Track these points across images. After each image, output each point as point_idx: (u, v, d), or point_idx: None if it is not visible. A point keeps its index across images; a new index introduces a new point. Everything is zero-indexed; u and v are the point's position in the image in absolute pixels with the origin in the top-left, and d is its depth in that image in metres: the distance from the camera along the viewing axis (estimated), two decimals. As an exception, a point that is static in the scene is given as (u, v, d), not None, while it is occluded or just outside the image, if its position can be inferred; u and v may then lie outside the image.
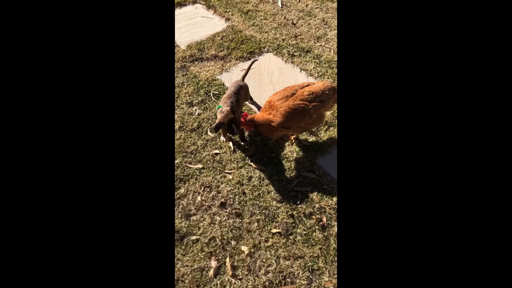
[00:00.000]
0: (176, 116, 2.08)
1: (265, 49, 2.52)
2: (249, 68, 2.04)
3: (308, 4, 2.94)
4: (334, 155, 1.86)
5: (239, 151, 1.93)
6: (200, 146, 1.95)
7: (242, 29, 2.66)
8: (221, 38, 2.58)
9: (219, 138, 1.99)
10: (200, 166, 1.86)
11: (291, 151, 1.92)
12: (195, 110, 2.11)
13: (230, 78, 2.34)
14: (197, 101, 2.15)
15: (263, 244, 1.53)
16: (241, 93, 1.92)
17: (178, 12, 2.84)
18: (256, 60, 2.20)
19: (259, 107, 2.14)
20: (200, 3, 2.93)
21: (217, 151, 1.93)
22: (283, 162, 1.86)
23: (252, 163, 1.86)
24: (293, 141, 1.95)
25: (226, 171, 1.84)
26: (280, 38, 2.60)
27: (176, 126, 2.03)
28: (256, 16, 2.80)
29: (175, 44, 2.55)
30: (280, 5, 2.92)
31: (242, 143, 1.95)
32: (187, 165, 1.86)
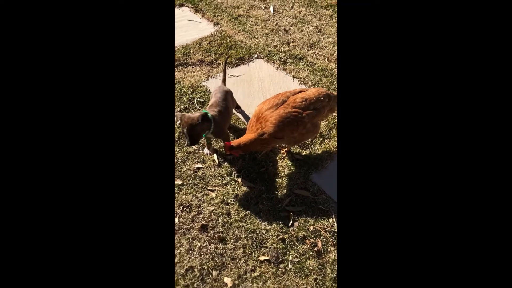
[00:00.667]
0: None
1: (256, 55, 2.35)
2: (225, 69, 1.87)
3: (301, 11, 2.82)
4: (330, 170, 1.67)
5: (224, 165, 1.72)
6: (181, 159, 1.74)
7: (231, 34, 2.50)
8: (209, 43, 2.41)
9: (202, 150, 1.79)
10: (179, 182, 1.64)
11: (282, 166, 1.72)
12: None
13: (217, 84, 2.15)
14: (179, 109, 1.95)
15: (250, 274, 1.32)
16: (229, 99, 1.73)
17: (163, 15, 2.67)
18: (229, 56, 2.00)
19: (246, 118, 1.95)
20: (187, 6, 2.77)
21: (199, 165, 1.72)
22: (273, 178, 1.67)
23: (239, 179, 1.66)
24: (285, 154, 1.76)
25: (209, 188, 1.63)
26: (272, 44, 2.45)
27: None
28: (246, 21, 2.66)
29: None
30: (272, 11, 2.79)
31: (228, 157, 1.75)
32: (165, 180, 1.64)
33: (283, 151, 1.78)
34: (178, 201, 1.56)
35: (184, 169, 1.70)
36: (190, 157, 1.75)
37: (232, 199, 1.57)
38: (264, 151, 1.77)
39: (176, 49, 2.33)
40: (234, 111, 1.97)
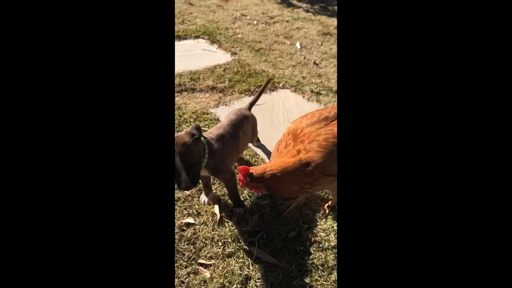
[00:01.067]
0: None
1: (280, 85, 1.89)
2: (261, 91, 1.33)
3: (331, 48, 2.46)
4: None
5: (229, 223, 1.07)
6: (163, 209, 1.11)
7: (251, 64, 2.09)
8: (224, 70, 1.99)
9: (198, 197, 1.16)
10: (153, 246, 0.98)
11: (325, 229, 1.06)
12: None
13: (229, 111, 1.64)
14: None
15: None
16: (245, 126, 1.16)
17: (175, 44, 2.36)
18: (272, 79, 1.47)
19: (268, 154, 1.36)
20: (203, 38, 2.47)
21: (190, 220, 1.08)
22: (310, 249, 0.99)
23: (252, 249, 0.99)
24: (328, 210, 1.11)
25: (200, 260, 0.96)
26: (300, 75, 2.01)
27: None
28: (269, 53, 2.29)
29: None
30: (299, 47, 2.45)
31: (236, 209, 1.11)
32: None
33: (325, 206, 1.12)
34: (144, 283, 0.88)
35: (165, 225, 1.06)
36: (178, 207, 1.12)
37: (240, 285, 0.89)
38: (296, 204, 1.12)
39: (182, 73, 1.91)
40: (251, 145, 1.39)
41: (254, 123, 1.25)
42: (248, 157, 1.35)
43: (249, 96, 1.78)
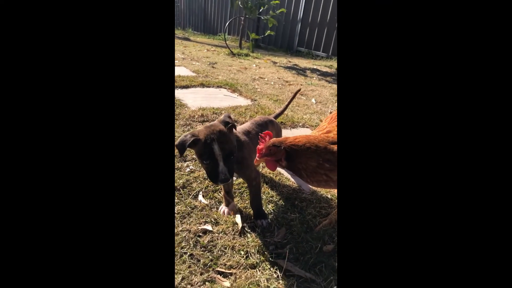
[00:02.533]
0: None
1: (300, 124, 1.91)
2: (291, 101, 1.35)
3: (345, 105, 2.58)
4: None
5: (252, 234, 0.93)
6: (177, 215, 0.98)
7: (271, 108, 2.17)
8: (245, 110, 2.05)
9: (217, 208, 1.04)
10: (163, 248, 0.83)
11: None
12: (187, 165, 1.27)
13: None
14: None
15: None
16: (269, 128, 1.13)
17: (199, 89, 2.50)
18: (300, 89, 1.47)
19: (291, 175, 1.27)
20: (225, 88, 2.63)
21: (208, 227, 0.93)
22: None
23: (280, 261, 0.82)
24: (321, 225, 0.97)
25: (219, 267, 0.79)
26: (318, 120, 2.05)
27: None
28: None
29: (184, 104, 2.01)
30: (314, 102, 2.57)
31: (259, 221, 0.97)
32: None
33: (322, 224, 0.98)
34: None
35: (180, 229, 0.92)
36: (194, 214, 0.99)
37: (267, 298, 0.70)
38: (331, 217, 0.99)
39: (205, 108, 1.96)
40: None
41: (278, 129, 1.22)
42: (272, 175, 1.26)
43: (270, 129, 1.79)
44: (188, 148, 0.81)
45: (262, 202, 1.04)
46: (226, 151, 0.82)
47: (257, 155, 0.83)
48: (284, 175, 1.28)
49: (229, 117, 0.89)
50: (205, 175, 1.22)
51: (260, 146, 0.84)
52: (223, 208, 1.03)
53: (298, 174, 0.84)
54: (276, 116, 1.28)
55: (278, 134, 1.20)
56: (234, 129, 0.91)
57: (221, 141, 0.82)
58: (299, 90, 1.41)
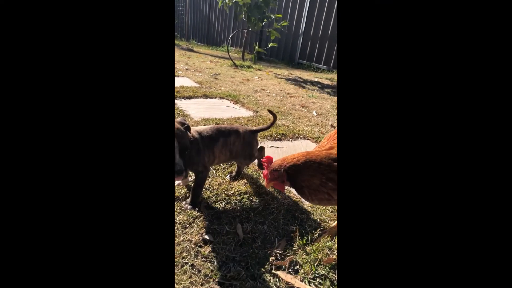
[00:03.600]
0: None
1: (301, 136, 1.93)
2: (272, 124, 1.35)
3: (346, 117, 2.61)
4: None
5: (254, 245, 0.93)
6: (179, 224, 0.99)
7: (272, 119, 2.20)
8: (247, 121, 2.08)
9: (218, 219, 1.05)
10: (165, 257, 0.84)
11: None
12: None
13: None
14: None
15: None
16: (232, 138, 1.16)
17: (202, 100, 2.54)
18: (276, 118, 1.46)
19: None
20: (228, 99, 2.67)
21: (209, 237, 0.94)
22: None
23: (286, 277, 0.83)
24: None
25: (219, 278, 0.80)
26: (319, 131, 2.07)
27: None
28: (288, 115, 2.43)
29: (187, 115, 2.04)
30: (315, 114, 2.61)
31: (187, 205, 1.10)
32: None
33: (322, 237, 0.99)
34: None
35: (181, 239, 0.93)
36: (196, 224, 1.00)
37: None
38: (330, 231, 1.00)
39: (208, 119, 1.99)
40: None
41: (246, 144, 1.21)
42: (272, 187, 1.27)
43: (271, 140, 1.81)
44: None
45: (263, 213, 1.05)
46: (181, 146, 0.91)
47: (265, 181, 0.89)
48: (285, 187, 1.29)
49: (184, 120, 1.00)
50: (206, 186, 1.23)
51: (265, 171, 0.88)
52: (179, 181, 1.21)
53: (301, 192, 0.85)
54: (255, 131, 1.27)
55: (245, 147, 1.20)
56: (188, 130, 1.01)
57: (179, 136, 0.91)
58: (275, 117, 1.39)
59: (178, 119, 1.00)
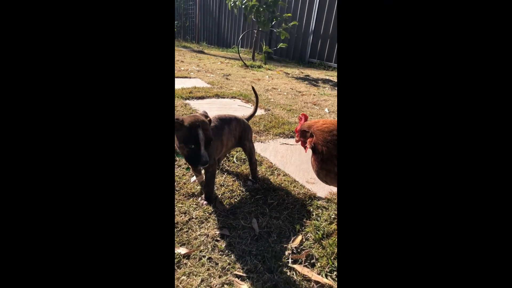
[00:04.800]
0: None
1: (314, 133, 1.93)
2: (257, 100, 1.40)
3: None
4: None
5: (269, 239, 0.94)
6: (196, 219, 1.01)
7: (285, 117, 2.20)
8: (259, 119, 2.09)
9: (233, 214, 1.06)
10: (182, 251, 0.86)
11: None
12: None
13: (264, 147, 1.64)
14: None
15: None
16: (233, 124, 1.20)
17: (214, 100, 2.57)
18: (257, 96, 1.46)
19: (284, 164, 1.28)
20: (239, 99, 2.69)
21: (225, 232, 0.96)
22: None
23: (308, 273, 0.83)
24: None
25: (237, 271, 0.81)
26: (332, 129, 2.06)
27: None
28: (300, 112, 2.42)
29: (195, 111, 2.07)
30: (327, 111, 2.59)
31: (202, 200, 1.02)
32: (158, 245, 0.87)
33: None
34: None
35: (197, 233, 0.94)
36: (212, 219, 1.02)
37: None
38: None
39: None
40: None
41: (245, 127, 1.25)
42: (287, 183, 1.27)
43: (284, 138, 1.81)
44: None
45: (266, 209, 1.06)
46: (207, 138, 0.92)
47: (296, 135, 1.00)
48: (300, 183, 1.29)
49: (207, 113, 1.02)
50: (221, 182, 1.25)
51: (297, 127, 0.99)
52: (194, 178, 1.24)
53: (316, 158, 0.89)
54: (248, 118, 1.34)
55: (244, 131, 1.25)
56: (210, 123, 1.01)
57: (204, 128, 0.92)
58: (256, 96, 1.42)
59: (200, 111, 1.02)
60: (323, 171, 0.88)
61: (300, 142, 1.00)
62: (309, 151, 0.95)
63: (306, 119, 0.99)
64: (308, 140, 0.93)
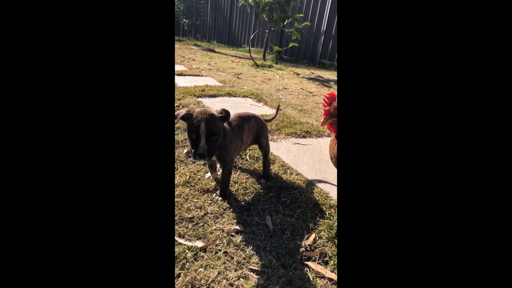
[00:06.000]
0: (184, 169, 1.30)
1: (326, 134, 1.93)
2: (277, 111, 1.47)
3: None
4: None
5: (283, 237, 0.96)
6: (211, 214, 1.03)
7: (296, 117, 2.21)
8: (271, 119, 2.10)
9: (247, 211, 1.08)
10: (199, 244, 0.88)
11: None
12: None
13: (277, 147, 1.65)
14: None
15: None
16: (252, 122, 1.23)
17: (226, 98, 2.60)
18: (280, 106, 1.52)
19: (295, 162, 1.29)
20: (251, 98, 2.71)
21: (239, 228, 0.98)
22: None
23: (322, 269, 0.85)
24: None
25: (252, 266, 0.83)
26: (343, 130, 2.06)
27: (180, 180, 1.21)
28: (311, 113, 2.43)
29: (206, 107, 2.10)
30: (339, 112, 2.59)
31: (217, 197, 1.14)
32: (176, 238, 0.90)
33: None
34: (187, 278, 0.76)
35: (213, 227, 0.97)
36: (227, 215, 1.04)
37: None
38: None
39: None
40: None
41: (262, 125, 1.29)
42: (300, 182, 1.29)
43: (296, 137, 1.82)
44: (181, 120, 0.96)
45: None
46: (210, 131, 0.94)
47: (324, 116, 0.97)
48: (312, 182, 1.30)
49: (226, 111, 1.01)
50: (235, 179, 1.27)
51: (327, 107, 0.96)
52: (208, 174, 1.28)
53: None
54: (268, 120, 1.43)
55: (262, 128, 1.28)
56: (225, 120, 1.00)
57: (208, 122, 0.94)
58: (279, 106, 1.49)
59: (218, 109, 1.02)
60: None
61: (332, 122, 0.97)
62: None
63: (334, 98, 0.96)
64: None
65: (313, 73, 4.87)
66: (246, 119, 1.21)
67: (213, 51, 7.01)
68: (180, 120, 0.94)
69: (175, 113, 0.94)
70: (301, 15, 5.41)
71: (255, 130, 1.25)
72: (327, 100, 0.97)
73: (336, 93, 0.95)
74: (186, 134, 0.99)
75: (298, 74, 4.66)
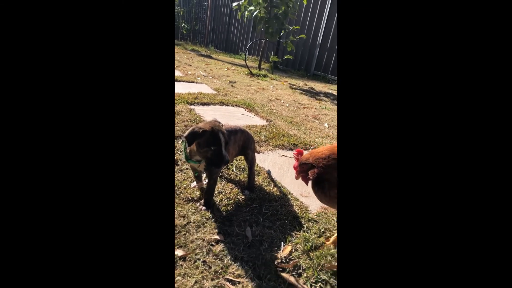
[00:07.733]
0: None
1: (312, 147, 2.00)
2: None
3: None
4: None
5: (260, 248, 1.00)
6: (194, 223, 1.07)
7: (285, 129, 2.27)
8: (260, 129, 2.16)
9: (230, 221, 1.12)
10: (179, 253, 0.92)
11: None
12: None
13: (263, 158, 1.71)
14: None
15: None
16: (238, 135, 1.28)
17: (218, 107, 2.65)
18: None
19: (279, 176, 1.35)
20: (243, 107, 2.77)
21: (219, 237, 1.02)
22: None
23: (285, 275, 0.89)
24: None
25: (228, 275, 0.87)
26: (329, 143, 2.13)
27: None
28: (300, 126, 2.50)
29: (204, 121, 2.15)
30: (327, 126, 2.66)
31: (201, 206, 1.22)
32: (157, 245, 0.94)
33: (329, 243, 1.05)
34: None
35: (194, 237, 1.01)
36: (209, 225, 1.08)
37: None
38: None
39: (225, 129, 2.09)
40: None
41: (248, 138, 1.33)
42: (279, 194, 1.34)
43: (283, 150, 1.88)
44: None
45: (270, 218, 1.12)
46: (226, 140, 1.06)
47: (295, 172, 1.01)
48: (294, 195, 1.35)
49: (218, 120, 1.14)
50: (219, 189, 1.32)
51: (295, 164, 1.01)
52: (194, 183, 1.32)
53: (321, 187, 0.93)
54: None
55: (248, 141, 1.33)
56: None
57: (222, 132, 1.05)
58: None
59: (212, 119, 1.14)
60: (331, 198, 0.91)
61: (301, 178, 1.00)
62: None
63: (301, 154, 1.01)
64: (310, 172, 0.95)
65: (306, 85, 4.97)
66: (233, 132, 1.26)
67: (210, 57, 7.09)
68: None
69: (189, 133, 1.00)
70: (298, 27, 5.54)
71: (241, 142, 1.30)
72: (296, 157, 1.03)
73: (301, 149, 1.05)
74: (195, 149, 1.08)
75: (292, 85, 4.75)
